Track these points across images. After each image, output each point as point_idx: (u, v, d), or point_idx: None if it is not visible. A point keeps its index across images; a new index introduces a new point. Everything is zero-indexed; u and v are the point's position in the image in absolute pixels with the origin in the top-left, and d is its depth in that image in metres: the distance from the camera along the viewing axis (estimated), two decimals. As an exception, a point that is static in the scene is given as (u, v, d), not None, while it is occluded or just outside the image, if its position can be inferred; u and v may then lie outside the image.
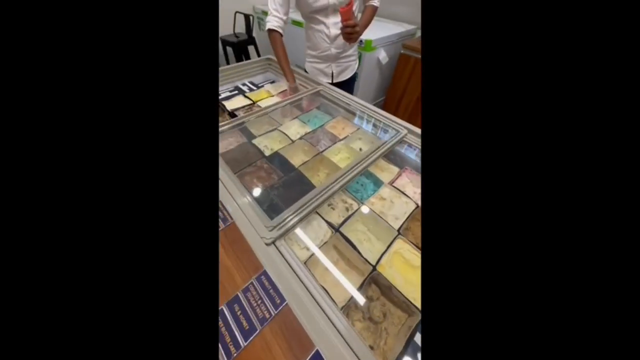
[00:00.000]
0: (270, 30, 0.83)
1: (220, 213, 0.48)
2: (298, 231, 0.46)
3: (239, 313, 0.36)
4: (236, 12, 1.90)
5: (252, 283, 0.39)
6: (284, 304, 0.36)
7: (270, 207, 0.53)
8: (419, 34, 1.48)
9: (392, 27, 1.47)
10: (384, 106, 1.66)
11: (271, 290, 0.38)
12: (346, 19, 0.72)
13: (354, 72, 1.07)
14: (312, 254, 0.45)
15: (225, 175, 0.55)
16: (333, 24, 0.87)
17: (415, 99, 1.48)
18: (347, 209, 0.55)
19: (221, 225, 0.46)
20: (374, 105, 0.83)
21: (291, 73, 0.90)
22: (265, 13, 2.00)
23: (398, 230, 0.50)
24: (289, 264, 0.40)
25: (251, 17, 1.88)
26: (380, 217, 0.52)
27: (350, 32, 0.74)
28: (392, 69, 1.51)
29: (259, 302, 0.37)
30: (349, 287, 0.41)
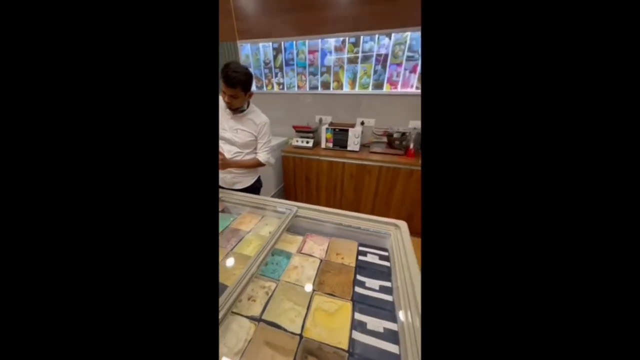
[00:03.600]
0: None
1: None
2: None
3: None
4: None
5: None
6: None
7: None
8: (289, 142, 2.06)
9: (274, 140, 2.01)
10: (285, 193, 1.99)
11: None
12: None
13: (250, 184, 1.16)
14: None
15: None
16: (226, 151, 1.06)
17: (306, 182, 1.91)
18: (267, 293, 0.58)
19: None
20: (277, 191, 0.94)
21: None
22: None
23: (313, 289, 0.58)
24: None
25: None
26: (297, 285, 0.59)
27: None
28: (280, 166, 1.96)
29: None
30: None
